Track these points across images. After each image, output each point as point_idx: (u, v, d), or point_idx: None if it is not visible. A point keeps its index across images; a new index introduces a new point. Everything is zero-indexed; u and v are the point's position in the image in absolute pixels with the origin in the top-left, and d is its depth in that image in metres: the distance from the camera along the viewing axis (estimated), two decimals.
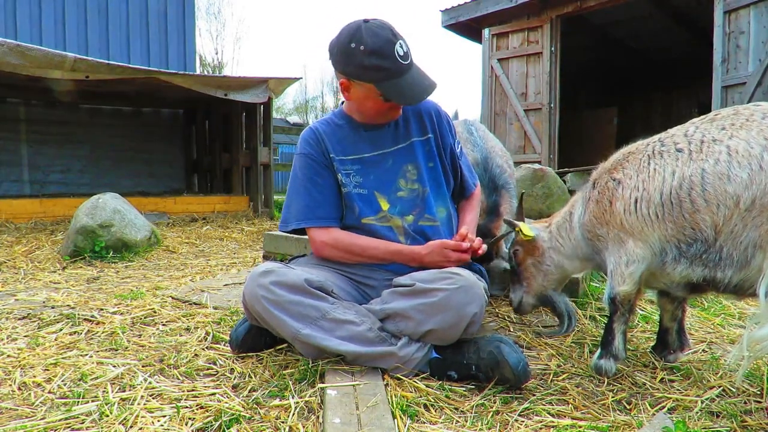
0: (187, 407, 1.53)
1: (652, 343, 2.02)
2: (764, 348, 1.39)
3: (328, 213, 1.93)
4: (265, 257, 3.69)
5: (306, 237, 2.04)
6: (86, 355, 1.95)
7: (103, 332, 2.21)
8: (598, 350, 1.83)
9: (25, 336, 2.17)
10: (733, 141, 1.49)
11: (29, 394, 1.64)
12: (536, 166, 4.94)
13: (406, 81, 1.73)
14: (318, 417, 1.50)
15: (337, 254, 1.94)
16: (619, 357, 1.79)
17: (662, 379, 1.78)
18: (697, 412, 1.54)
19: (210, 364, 1.88)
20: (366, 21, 1.72)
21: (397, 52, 1.69)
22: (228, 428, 1.42)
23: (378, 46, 1.68)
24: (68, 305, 2.63)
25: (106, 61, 5.84)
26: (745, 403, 1.61)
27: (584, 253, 1.92)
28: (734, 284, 1.52)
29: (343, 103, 2.02)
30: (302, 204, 1.94)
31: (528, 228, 2.03)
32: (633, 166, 1.71)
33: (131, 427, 1.43)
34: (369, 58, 1.68)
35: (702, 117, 1.67)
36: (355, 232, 1.94)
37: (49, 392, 1.64)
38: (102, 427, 1.42)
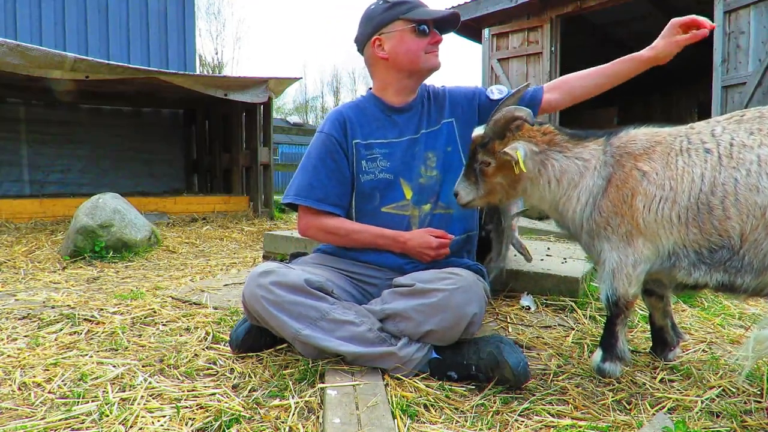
0: (187, 407, 1.53)
1: (651, 344, 2.01)
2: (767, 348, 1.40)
3: (327, 196, 1.93)
4: (265, 257, 3.69)
5: (306, 238, 2.04)
6: (86, 355, 1.95)
7: (103, 332, 2.21)
8: (599, 352, 1.78)
9: (25, 336, 2.17)
10: (763, 150, 1.49)
11: (29, 394, 1.64)
12: None
13: (429, 8, 1.93)
14: (318, 417, 1.50)
15: (322, 236, 1.94)
16: (625, 359, 1.76)
17: (662, 379, 1.78)
18: (697, 412, 1.54)
19: (210, 364, 1.87)
20: None
21: None
22: (228, 428, 1.42)
23: None
24: (68, 305, 2.63)
25: (106, 61, 5.84)
26: (745, 403, 1.61)
27: (563, 210, 1.78)
28: (751, 289, 1.54)
29: (370, 89, 2.07)
30: (306, 181, 1.95)
31: (525, 159, 1.70)
32: (661, 160, 1.63)
33: (131, 427, 1.43)
34: (390, 2, 1.91)
35: (727, 116, 1.64)
36: (370, 222, 1.94)
37: (49, 392, 1.64)
38: (102, 427, 1.42)
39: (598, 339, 1.92)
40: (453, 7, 8.88)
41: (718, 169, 1.52)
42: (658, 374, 1.81)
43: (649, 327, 2.30)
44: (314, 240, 2.01)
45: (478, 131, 1.81)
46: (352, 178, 1.96)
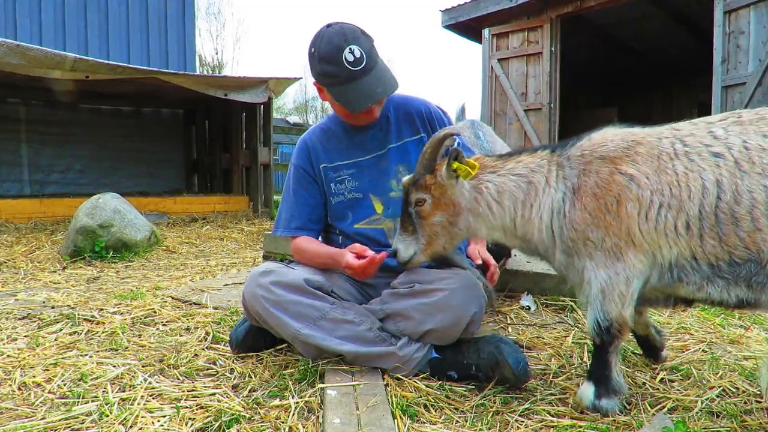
0: (187, 407, 1.53)
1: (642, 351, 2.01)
2: None
3: (304, 223, 2.00)
4: (265, 257, 3.69)
5: None
6: (86, 355, 1.95)
7: (103, 332, 2.21)
8: (591, 388, 1.55)
9: (25, 336, 2.17)
10: None
11: (29, 394, 1.64)
12: None
13: (356, 86, 1.72)
14: (318, 417, 1.50)
15: (301, 259, 1.99)
16: (621, 392, 1.55)
17: (662, 379, 1.78)
18: (697, 412, 1.54)
19: (210, 364, 1.87)
20: (328, 26, 1.75)
21: (346, 59, 1.68)
22: (228, 428, 1.42)
23: (327, 52, 1.70)
24: (68, 305, 2.63)
25: (106, 61, 5.84)
26: (745, 403, 1.61)
27: (525, 234, 1.59)
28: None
29: None
30: (288, 214, 2.03)
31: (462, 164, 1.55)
32: (649, 163, 1.46)
33: (131, 427, 1.43)
34: (320, 64, 1.73)
35: (720, 117, 1.51)
36: (348, 241, 1.95)
37: (49, 392, 1.64)
38: (102, 427, 1.42)
39: None
40: (453, 7, 8.89)
41: (738, 175, 1.38)
42: (658, 374, 1.81)
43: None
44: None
45: (405, 177, 1.70)
46: (324, 200, 2.01)
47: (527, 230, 1.58)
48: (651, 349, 1.92)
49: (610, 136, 1.55)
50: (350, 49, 1.69)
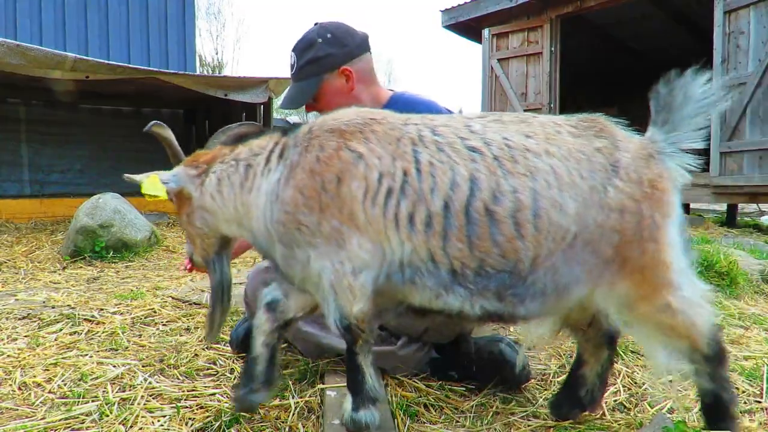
0: (187, 407, 1.53)
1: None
2: None
3: None
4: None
5: None
6: (86, 355, 1.95)
7: (103, 332, 2.21)
8: (349, 399, 1.38)
9: (25, 336, 2.17)
10: (552, 161, 1.22)
11: (29, 394, 1.64)
12: None
13: (290, 87, 1.90)
14: (318, 417, 1.50)
15: None
16: (378, 399, 1.37)
17: (663, 379, 1.78)
18: (697, 412, 1.54)
19: (210, 364, 1.88)
20: (315, 24, 1.86)
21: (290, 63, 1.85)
22: (228, 428, 1.42)
23: None
24: (68, 305, 2.63)
25: (106, 61, 5.84)
26: (745, 403, 1.61)
27: (249, 224, 1.40)
28: (530, 317, 1.28)
29: None
30: None
31: (156, 182, 1.41)
32: (384, 145, 1.27)
33: (131, 427, 1.43)
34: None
35: (480, 115, 1.37)
36: None
37: (49, 392, 1.64)
38: (102, 427, 1.42)
39: None
40: (453, 7, 8.89)
41: (500, 173, 1.21)
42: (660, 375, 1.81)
43: None
44: None
45: None
46: None
47: (249, 220, 1.39)
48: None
49: (349, 112, 1.38)
50: (290, 54, 1.83)
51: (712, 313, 1.25)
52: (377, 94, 1.86)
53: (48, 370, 1.81)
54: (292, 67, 1.82)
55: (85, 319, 2.38)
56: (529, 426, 1.47)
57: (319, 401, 1.58)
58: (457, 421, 1.49)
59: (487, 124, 1.30)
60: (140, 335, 2.20)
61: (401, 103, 1.97)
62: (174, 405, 1.54)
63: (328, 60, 1.76)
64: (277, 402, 1.57)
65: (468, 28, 9.10)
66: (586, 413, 1.51)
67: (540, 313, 1.27)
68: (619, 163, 1.22)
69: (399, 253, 1.24)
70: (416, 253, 1.23)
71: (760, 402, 1.61)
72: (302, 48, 1.79)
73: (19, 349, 2.00)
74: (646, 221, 1.19)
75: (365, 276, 1.26)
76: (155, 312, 2.50)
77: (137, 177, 1.42)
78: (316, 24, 1.82)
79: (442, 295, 1.25)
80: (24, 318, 2.43)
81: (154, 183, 1.41)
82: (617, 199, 1.20)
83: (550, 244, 1.19)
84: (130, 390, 1.65)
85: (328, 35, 1.76)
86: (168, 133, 1.53)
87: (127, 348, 2.04)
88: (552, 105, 8.21)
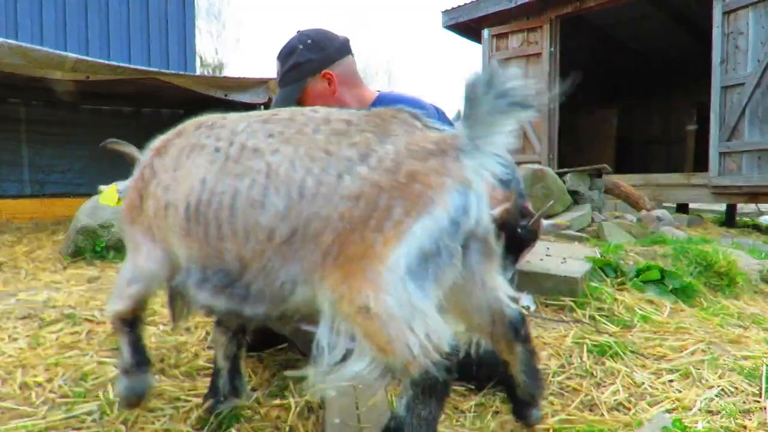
0: (187, 407, 1.54)
1: (652, 343, 2.01)
2: None
3: None
4: None
5: None
6: (87, 354, 1.95)
7: (103, 332, 2.22)
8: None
9: (26, 336, 2.17)
10: (276, 157, 1.18)
11: (30, 393, 1.64)
12: (536, 166, 4.95)
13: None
14: (318, 417, 1.50)
15: None
16: (129, 371, 1.44)
17: (662, 379, 1.78)
18: (696, 412, 1.54)
19: (210, 363, 1.88)
20: (298, 32, 1.93)
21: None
22: (228, 428, 1.42)
23: None
24: (69, 305, 2.63)
25: (107, 62, 5.84)
26: (744, 402, 1.61)
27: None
28: (274, 317, 1.27)
29: None
30: None
31: (113, 192, 1.51)
32: (173, 155, 1.34)
33: (132, 426, 1.44)
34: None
35: (269, 113, 1.36)
36: None
37: (50, 392, 1.65)
38: (103, 427, 1.43)
39: (598, 339, 1.92)
40: (453, 7, 8.91)
41: (221, 175, 1.22)
42: (659, 374, 1.81)
43: (648, 327, 2.28)
44: None
45: None
46: None
47: None
48: (212, 391, 1.57)
49: (190, 122, 1.50)
50: (276, 61, 1.90)
51: (415, 337, 1.05)
52: (362, 95, 1.92)
53: (49, 369, 1.82)
54: (278, 73, 1.91)
55: (85, 319, 2.38)
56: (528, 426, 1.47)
57: (319, 401, 1.58)
58: (457, 421, 1.50)
59: (252, 123, 1.29)
60: None
61: (386, 102, 1.99)
62: (174, 404, 1.54)
63: (309, 65, 1.84)
64: (277, 401, 1.57)
65: (468, 28, 9.11)
66: (585, 413, 1.52)
67: (269, 313, 1.22)
68: (373, 154, 1.13)
69: (181, 256, 1.29)
70: (187, 255, 1.28)
71: (759, 401, 1.61)
72: (285, 55, 1.87)
73: (19, 349, 2.00)
74: (381, 211, 1.08)
75: (138, 287, 1.38)
76: (155, 312, 2.50)
77: (103, 187, 1.51)
78: (297, 32, 1.90)
79: (199, 294, 1.28)
80: (25, 318, 2.43)
81: (111, 193, 1.49)
82: (354, 186, 1.10)
83: (253, 245, 1.16)
84: None
85: (309, 41, 1.84)
86: (126, 148, 1.65)
87: None
88: (551, 105, 8.22)
